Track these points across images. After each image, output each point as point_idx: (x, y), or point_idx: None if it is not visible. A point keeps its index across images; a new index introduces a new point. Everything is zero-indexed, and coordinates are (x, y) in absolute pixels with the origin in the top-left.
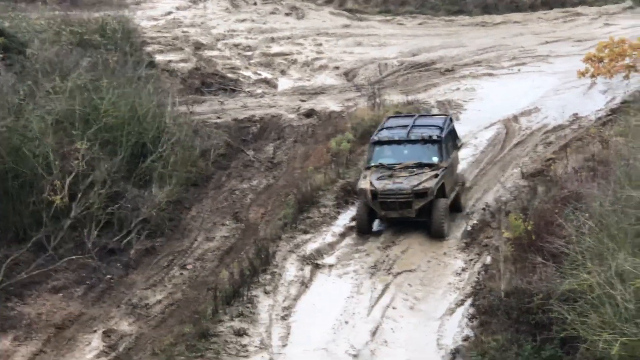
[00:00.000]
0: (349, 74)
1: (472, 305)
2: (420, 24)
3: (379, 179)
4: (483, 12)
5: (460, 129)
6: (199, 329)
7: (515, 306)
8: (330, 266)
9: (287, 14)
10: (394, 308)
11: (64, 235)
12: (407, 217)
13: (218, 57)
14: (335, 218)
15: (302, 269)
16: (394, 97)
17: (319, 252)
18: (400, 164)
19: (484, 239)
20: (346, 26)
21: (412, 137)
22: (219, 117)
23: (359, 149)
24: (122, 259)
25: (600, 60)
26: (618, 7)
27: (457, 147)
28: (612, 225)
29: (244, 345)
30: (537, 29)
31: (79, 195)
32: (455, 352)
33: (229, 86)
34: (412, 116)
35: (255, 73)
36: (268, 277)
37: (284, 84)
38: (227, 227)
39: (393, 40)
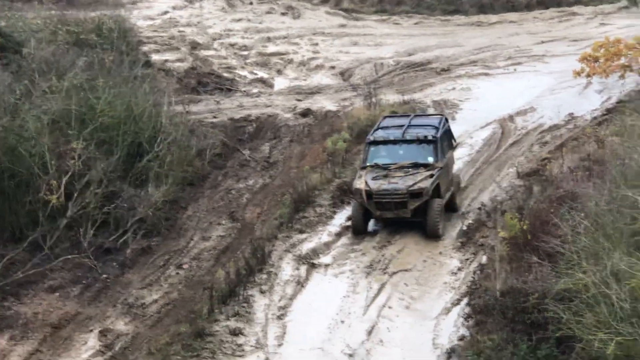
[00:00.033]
0: (345, 74)
1: (468, 304)
2: (416, 23)
3: (374, 179)
4: (479, 11)
5: (456, 128)
6: (194, 329)
7: (511, 305)
8: (326, 266)
9: (283, 14)
10: (389, 307)
11: (60, 235)
12: (402, 217)
13: (214, 56)
14: (331, 217)
15: (298, 269)
16: (390, 97)
17: (315, 252)
18: (395, 164)
19: (480, 238)
20: (342, 26)
21: (408, 137)
22: (215, 117)
23: (355, 149)
24: (118, 259)
25: (596, 59)
26: (613, 7)
27: (452, 147)
28: (608, 224)
29: (240, 345)
30: (533, 28)
31: (75, 195)
32: (450, 352)
33: (225, 86)
34: (408, 116)
35: (252, 73)
36: (264, 276)
37: (280, 83)
38: (223, 227)
39: (389, 40)
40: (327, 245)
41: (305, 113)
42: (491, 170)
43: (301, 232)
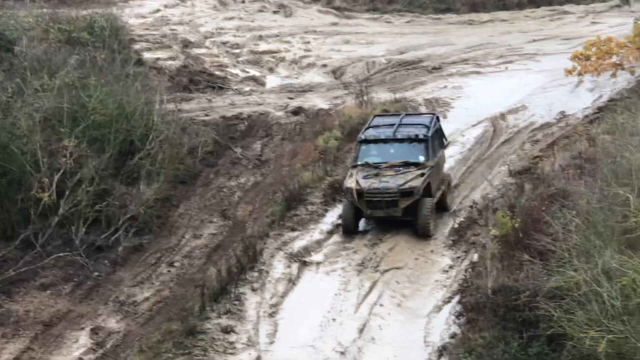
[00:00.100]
0: (336, 72)
1: (459, 302)
2: (408, 22)
3: (365, 177)
4: (470, 10)
5: (448, 126)
6: (186, 326)
7: (502, 303)
8: (318, 263)
9: (274, 12)
10: (381, 305)
11: (51, 233)
12: (393, 216)
13: (206, 54)
14: (323, 215)
15: (289, 267)
16: (381, 95)
17: (307, 250)
18: (386, 162)
19: (471, 236)
20: (334, 24)
21: (399, 136)
22: (206, 115)
23: (346, 147)
24: (110, 257)
25: (588, 58)
26: (605, 6)
27: (443, 146)
28: (599, 222)
29: (232, 342)
30: (525, 27)
31: (67, 193)
32: (442, 349)
33: (216, 84)
34: (399, 115)
35: (243, 71)
36: (255, 274)
37: (272, 81)
38: (215, 225)
39: (381, 38)
40: (319, 243)
41: (297, 111)
42: (483, 169)
43: (293, 230)
